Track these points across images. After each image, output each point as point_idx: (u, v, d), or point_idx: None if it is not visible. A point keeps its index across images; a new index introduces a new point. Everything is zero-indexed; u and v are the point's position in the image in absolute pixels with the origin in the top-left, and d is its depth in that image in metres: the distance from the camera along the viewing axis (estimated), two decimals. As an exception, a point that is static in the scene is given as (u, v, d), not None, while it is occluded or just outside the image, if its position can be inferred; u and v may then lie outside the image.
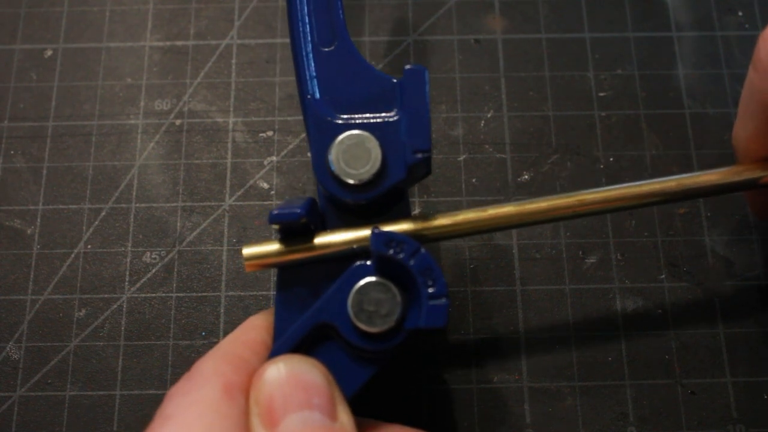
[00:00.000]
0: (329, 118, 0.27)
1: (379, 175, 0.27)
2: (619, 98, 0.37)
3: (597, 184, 0.35)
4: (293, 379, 0.23)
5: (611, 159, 0.35)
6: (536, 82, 0.37)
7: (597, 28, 0.38)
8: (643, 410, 0.32)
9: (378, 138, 0.27)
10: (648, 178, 0.35)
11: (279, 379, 0.23)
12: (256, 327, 0.27)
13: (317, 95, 0.28)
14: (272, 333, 0.27)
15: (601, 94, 0.37)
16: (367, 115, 0.27)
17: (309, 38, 0.29)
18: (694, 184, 0.29)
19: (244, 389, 0.23)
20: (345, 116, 0.27)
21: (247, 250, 0.27)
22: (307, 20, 0.29)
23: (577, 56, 0.37)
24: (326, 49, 0.29)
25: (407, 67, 0.27)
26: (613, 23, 0.38)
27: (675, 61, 0.37)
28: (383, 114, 0.27)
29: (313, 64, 0.28)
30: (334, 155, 0.27)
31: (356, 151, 0.27)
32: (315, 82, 0.28)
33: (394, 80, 0.28)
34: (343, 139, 0.27)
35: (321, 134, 0.27)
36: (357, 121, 0.27)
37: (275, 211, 0.26)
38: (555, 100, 0.37)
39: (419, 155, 0.26)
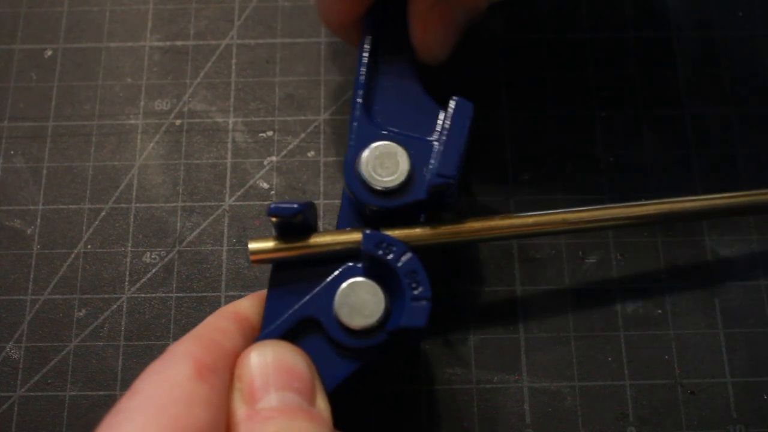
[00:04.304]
0: (372, 126, 0.29)
1: (402, 187, 0.28)
2: (619, 98, 0.37)
3: (597, 184, 0.35)
4: (278, 361, 0.25)
5: (611, 159, 0.35)
6: (536, 82, 0.37)
7: (597, 28, 0.38)
8: (643, 410, 0.32)
9: (411, 155, 0.28)
10: (648, 178, 0.35)
11: (264, 359, 0.25)
12: (228, 315, 0.27)
13: (368, 102, 0.30)
14: (244, 322, 0.27)
15: (601, 94, 0.37)
16: (408, 132, 0.29)
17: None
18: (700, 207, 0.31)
19: (215, 370, 0.24)
20: (387, 127, 0.29)
21: (253, 245, 0.28)
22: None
23: (577, 56, 0.37)
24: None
25: (454, 98, 0.29)
26: (613, 23, 0.38)
27: (675, 61, 0.37)
28: (423, 136, 0.29)
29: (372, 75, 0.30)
30: (365, 159, 0.28)
31: (386, 160, 0.28)
32: (370, 91, 0.30)
33: (442, 111, 0.29)
34: (377, 146, 0.28)
35: (360, 137, 0.29)
36: (396, 134, 0.29)
37: (275, 204, 0.27)
38: (555, 100, 0.37)
39: (440, 179, 0.28)
